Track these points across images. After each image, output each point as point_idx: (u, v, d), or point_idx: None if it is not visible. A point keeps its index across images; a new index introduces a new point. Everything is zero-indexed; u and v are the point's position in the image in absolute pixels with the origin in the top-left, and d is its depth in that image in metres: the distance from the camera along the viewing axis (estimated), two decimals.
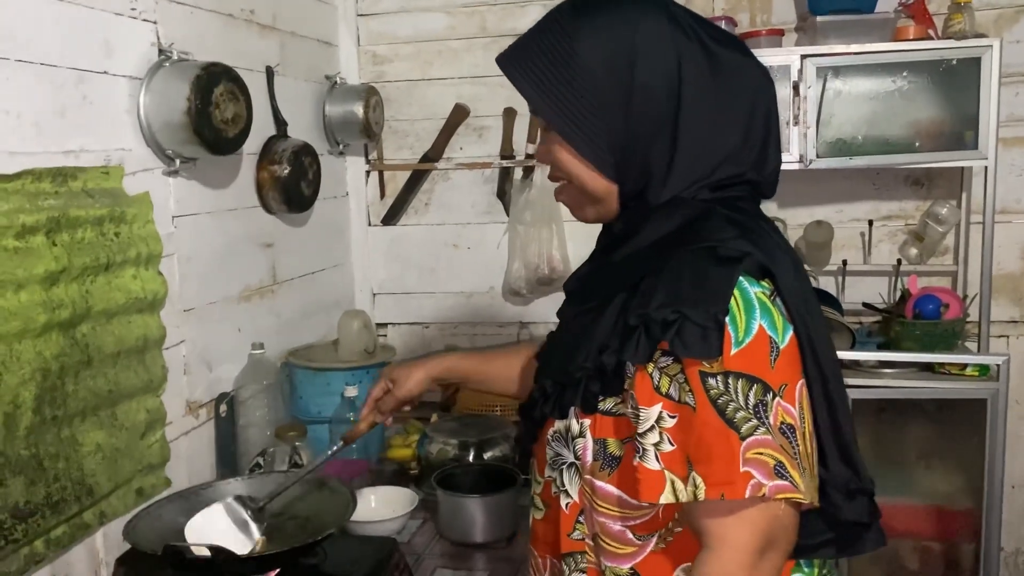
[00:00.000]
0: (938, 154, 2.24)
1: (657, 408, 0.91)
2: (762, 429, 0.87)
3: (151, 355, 1.67)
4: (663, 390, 0.91)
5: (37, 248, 1.38)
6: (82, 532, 1.49)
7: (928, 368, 2.26)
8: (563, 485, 1.03)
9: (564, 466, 1.03)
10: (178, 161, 1.74)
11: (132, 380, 1.60)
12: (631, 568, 0.99)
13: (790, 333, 0.91)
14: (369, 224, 2.76)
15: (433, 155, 2.68)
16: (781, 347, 0.90)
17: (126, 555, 1.50)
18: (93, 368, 1.50)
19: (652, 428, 0.91)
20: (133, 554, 1.46)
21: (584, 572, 1.04)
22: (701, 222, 0.96)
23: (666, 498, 0.89)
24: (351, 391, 2.01)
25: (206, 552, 1.31)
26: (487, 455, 1.94)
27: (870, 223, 2.48)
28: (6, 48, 1.38)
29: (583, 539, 1.03)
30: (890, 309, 2.39)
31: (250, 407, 1.94)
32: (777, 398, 0.88)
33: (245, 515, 1.43)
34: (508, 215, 2.64)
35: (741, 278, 0.90)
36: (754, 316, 0.89)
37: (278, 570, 1.40)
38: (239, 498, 1.46)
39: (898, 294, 2.40)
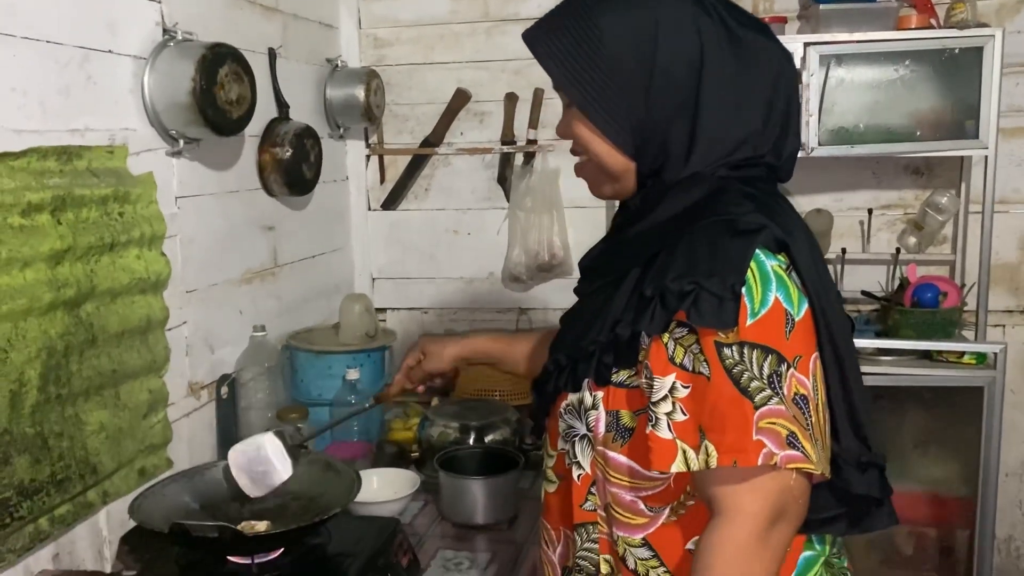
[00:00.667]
0: (938, 143, 2.25)
1: (671, 378, 0.92)
2: (776, 399, 0.88)
3: (154, 335, 1.67)
4: (677, 360, 0.92)
5: (42, 226, 1.38)
6: (86, 511, 1.49)
7: (926, 356, 2.28)
8: (575, 457, 1.04)
9: (576, 438, 1.04)
10: (182, 142, 1.74)
11: (135, 360, 1.60)
12: (643, 539, 1.00)
13: (805, 306, 0.92)
14: (369, 209, 2.75)
15: (434, 140, 2.67)
16: (796, 319, 0.90)
17: (130, 533, 1.51)
18: (97, 347, 1.50)
19: (665, 398, 0.92)
20: (138, 532, 1.47)
21: (596, 543, 1.04)
22: (718, 196, 0.96)
23: (677, 467, 0.90)
24: (352, 374, 2.01)
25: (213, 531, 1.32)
26: (487, 439, 1.95)
27: (869, 212, 2.48)
28: (11, 25, 1.37)
29: (595, 510, 1.04)
30: (888, 297, 2.40)
31: (251, 389, 1.94)
32: (791, 369, 0.89)
33: (283, 449, 1.45)
34: (508, 201, 2.63)
35: (758, 250, 0.91)
36: (770, 288, 0.90)
37: (282, 549, 1.41)
38: (279, 433, 1.48)
39: (896, 282, 2.42)
